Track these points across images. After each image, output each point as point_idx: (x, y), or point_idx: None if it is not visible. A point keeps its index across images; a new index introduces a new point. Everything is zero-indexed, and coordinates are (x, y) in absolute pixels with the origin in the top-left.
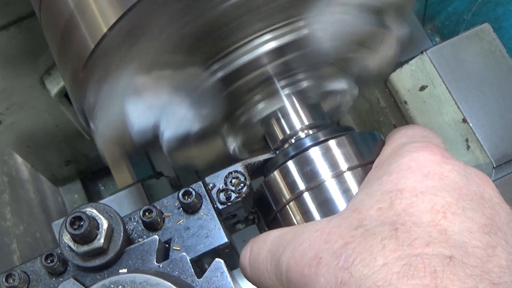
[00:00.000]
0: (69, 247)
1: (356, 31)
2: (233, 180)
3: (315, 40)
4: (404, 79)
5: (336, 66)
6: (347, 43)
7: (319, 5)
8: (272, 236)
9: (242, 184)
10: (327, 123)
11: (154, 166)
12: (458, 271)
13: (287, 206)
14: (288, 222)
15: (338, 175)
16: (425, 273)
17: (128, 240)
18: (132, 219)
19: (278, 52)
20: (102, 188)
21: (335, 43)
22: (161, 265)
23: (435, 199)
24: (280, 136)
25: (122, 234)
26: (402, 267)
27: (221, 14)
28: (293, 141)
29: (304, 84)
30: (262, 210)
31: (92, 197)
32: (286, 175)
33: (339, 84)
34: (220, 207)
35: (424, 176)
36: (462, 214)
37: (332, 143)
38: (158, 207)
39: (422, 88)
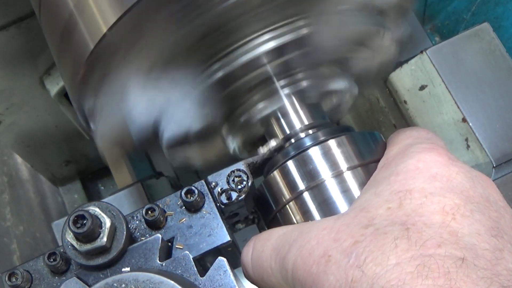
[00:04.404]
0: (72, 245)
1: (355, 31)
2: (236, 179)
3: (314, 39)
4: (404, 79)
5: (336, 65)
6: (346, 43)
7: (319, 4)
8: (276, 234)
9: (244, 183)
10: (327, 123)
11: (154, 166)
12: (470, 273)
13: (287, 205)
14: (288, 222)
15: (338, 175)
16: (439, 274)
17: (131, 239)
18: (135, 217)
19: (277, 51)
20: (102, 188)
21: (335, 42)
22: (164, 264)
23: (444, 201)
24: (280, 136)
25: (125, 232)
26: (416, 267)
27: (221, 13)
28: (293, 141)
29: (304, 83)
30: (261, 210)
31: (92, 197)
32: (286, 174)
33: (339, 84)
34: (223, 205)
35: (432, 177)
36: (470, 216)
37: (332, 142)
38: (160, 205)
39: (422, 87)
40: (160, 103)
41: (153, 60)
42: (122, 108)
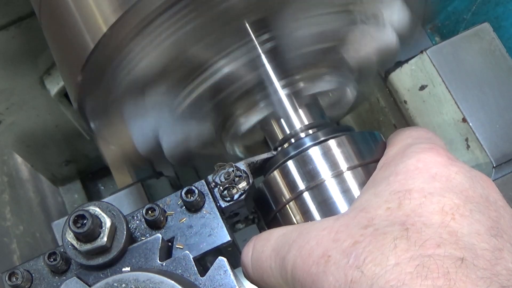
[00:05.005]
0: (72, 245)
1: (330, 30)
2: (236, 179)
3: (295, 45)
4: (404, 79)
5: (333, 64)
6: (327, 43)
7: (288, 12)
8: (276, 234)
9: (245, 182)
10: (327, 123)
11: (154, 166)
12: (469, 273)
13: (287, 205)
14: (288, 222)
15: (338, 175)
16: (439, 274)
17: (131, 239)
18: (135, 217)
19: (273, 53)
20: (102, 188)
21: (314, 46)
22: (164, 264)
23: (444, 201)
24: (280, 136)
25: (125, 232)
26: (415, 267)
27: (220, 14)
28: (293, 140)
29: (301, 84)
30: (261, 209)
31: (92, 197)
32: (286, 174)
33: (337, 82)
34: (223, 205)
35: (431, 177)
36: (470, 216)
37: (332, 142)
38: (160, 205)
39: (422, 87)
40: (158, 104)
41: (153, 60)
42: (122, 109)
